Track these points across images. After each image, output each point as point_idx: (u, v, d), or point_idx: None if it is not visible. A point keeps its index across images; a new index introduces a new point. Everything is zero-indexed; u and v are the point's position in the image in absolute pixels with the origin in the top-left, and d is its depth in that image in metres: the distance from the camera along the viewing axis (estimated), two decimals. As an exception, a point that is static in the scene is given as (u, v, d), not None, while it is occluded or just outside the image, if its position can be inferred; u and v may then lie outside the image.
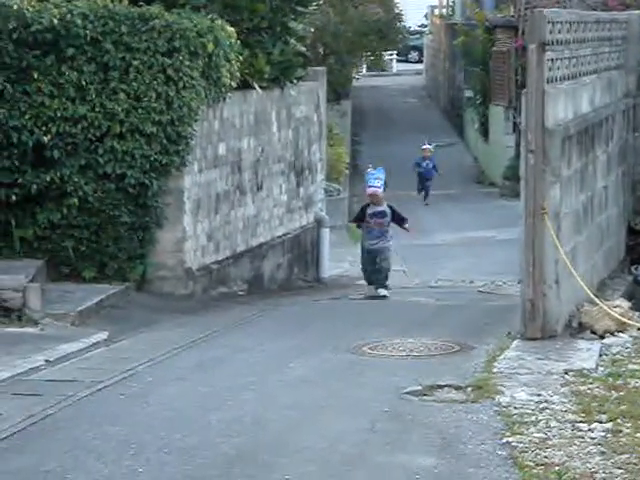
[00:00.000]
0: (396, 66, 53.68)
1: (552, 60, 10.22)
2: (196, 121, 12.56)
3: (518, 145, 24.62)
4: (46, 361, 9.30)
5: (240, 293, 14.00)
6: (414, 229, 15.54)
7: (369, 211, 14.51)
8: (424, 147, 27.16)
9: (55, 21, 11.95)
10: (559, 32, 10.48)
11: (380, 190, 14.53)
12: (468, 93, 33.01)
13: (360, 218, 14.71)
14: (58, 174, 12.15)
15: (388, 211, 14.59)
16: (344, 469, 6.45)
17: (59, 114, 12.09)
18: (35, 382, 8.56)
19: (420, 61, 54.70)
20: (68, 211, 12.22)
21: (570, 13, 11.89)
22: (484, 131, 31.05)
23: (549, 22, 10.09)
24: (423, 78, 51.00)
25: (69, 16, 12.03)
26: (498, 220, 21.89)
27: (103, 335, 10.46)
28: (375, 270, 14.28)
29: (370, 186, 14.58)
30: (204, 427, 7.28)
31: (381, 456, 6.64)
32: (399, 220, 14.77)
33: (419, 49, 55.43)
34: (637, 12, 15.04)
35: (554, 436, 6.99)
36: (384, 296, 14.04)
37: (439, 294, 14.67)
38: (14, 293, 10.67)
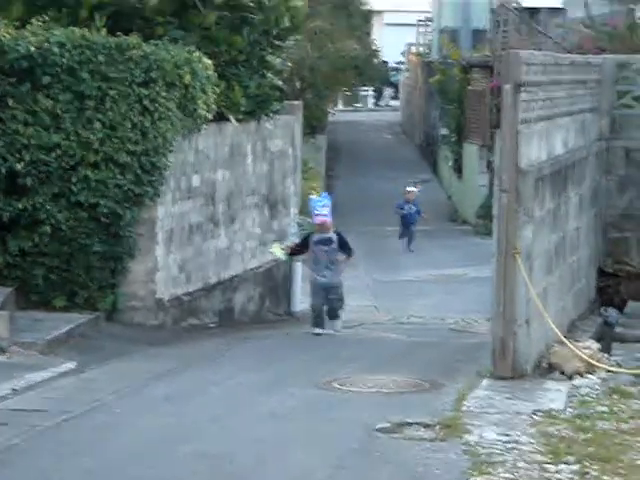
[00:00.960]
0: (372, 102, 53.96)
1: (527, 101, 10.29)
2: (171, 152, 12.56)
3: (492, 184, 24.75)
4: (13, 390, 9.22)
5: (211, 325, 13.95)
6: (347, 267, 14.03)
7: (314, 238, 13.33)
8: (408, 189, 25.54)
9: (32, 49, 11.94)
10: (534, 73, 10.56)
11: (329, 219, 13.37)
12: (443, 131, 33.20)
13: (303, 246, 13.71)
14: (31, 202, 12.11)
15: (335, 238, 13.34)
16: (311, 506, 6.41)
17: (33, 142, 12.07)
18: (1, 411, 8.48)
19: (396, 98, 55.00)
20: (40, 239, 12.17)
21: (545, 55, 12.00)
22: (458, 169, 31.20)
23: (524, 63, 10.17)
24: (399, 115, 51.26)
25: (46, 44, 12.03)
26: (471, 258, 21.95)
27: (72, 365, 10.39)
28: (327, 306, 13.32)
29: (317, 214, 13.40)
30: (172, 460, 7.22)
31: (348, 493, 6.61)
32: (345, 249, 13.43)
33: (395, 86, 55.76)
34: (611, 56, 15.21)
35: (521, 477, 6.98)
36: (336, 331, 13.29)
37: (410, 331, 14.66)
38: (-17, 320, 10.58)
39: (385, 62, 48.87)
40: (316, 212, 13.41)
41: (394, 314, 16.65)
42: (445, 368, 10.79)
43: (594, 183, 13.82)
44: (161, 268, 12.75)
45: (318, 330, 13.29)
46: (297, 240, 14.78)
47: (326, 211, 13.37)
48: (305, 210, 22.35)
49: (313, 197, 13.88)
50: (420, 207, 25.10)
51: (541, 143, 10.78)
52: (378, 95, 54.84)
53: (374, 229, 27.62)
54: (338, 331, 13.43)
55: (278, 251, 14.36)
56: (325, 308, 13.43)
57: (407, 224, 24.75)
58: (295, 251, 14.11)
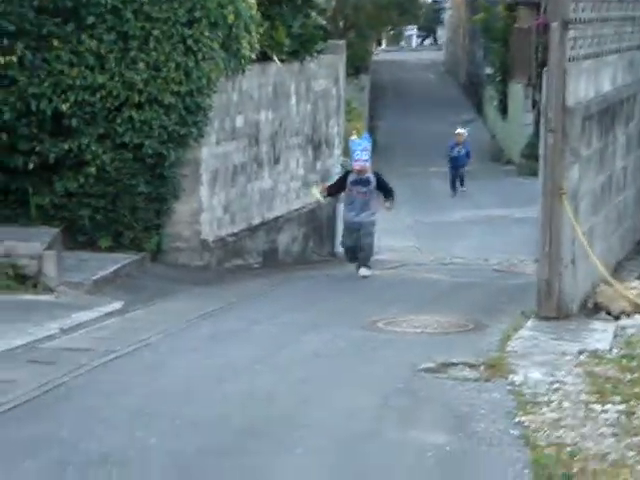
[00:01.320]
0: (416, 41, 53.49)
1: (574, 39, 10.14)
2: (215, 93, 12.53)
3: (537, 123, 24.49)
4: (60, 329, 9.32)
5: (255, 266, 14.00)
6: (393, 208, 13.68)
7: (351, 178, 13.08)
8: (457, 132, 25.15)
9: (76, -11, 11.91)
10: (582, 10, 10.40)
11: (368, 164, 13.10)
12: (488, 70, 32.85)
13: (340, 187, 13.33)
14: (76, 143, 12.15)
15: (373, 179, 13.11)
16: (356, 444, 6.45)
17: (78, 83, 12.08)
18: (49, 350, 8.58)
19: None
20: (85, 180, 12.22)
21: (593, -9, 11.79)
22: (503, 108, 30.91)
23: (572, 0, 10.01)
24: (443, 54, 50.80)
25: (90, -16, 11.99)
26: (515, 198, 21.81)
27: (118, 305, 10.48)
28: (357, 246, 12.95)
29: (357, 160, 13.01)
30: (217, 400, 7.29)
31: (394, 432, 6.64)
32: (385, 191, 13.23)
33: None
34: (661, -8, 14.90)
35: (567, 417, 6.97)
36: (365, 276, 12.94)
37: (454, 271, 14.64)
38: (30, 260, 10.70)
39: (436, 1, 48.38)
40: (356, 156, 13.08)
41: (437, 255, 16.62)
42: (489, 309, 10.78)
43: (642, 122, 13.63)
44: (205, 209, 12.78)
45: (363, 270, 13.07)
46: (334, 180, 14.46)
47: (366, 155, 13.05)
48: (348, 151, 22.33)
49: (354, 139, 13.48)
50: (470, 149, 24.87)
51: (589, 81, 10.63)
52: (426, 35, 54.33)
53: (417, 170, 27.53)
54: (366, 276, 13.05)
55: (316, 192, 14.14)
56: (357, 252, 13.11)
57: (456, 166, 24.51)
58: (332, 191, 13.79)
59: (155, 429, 6.62)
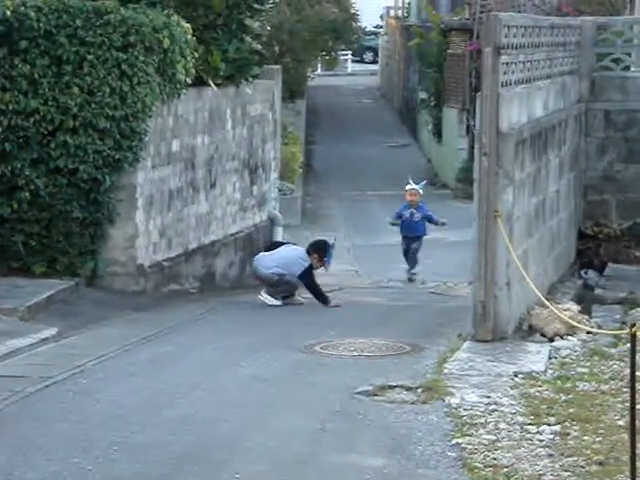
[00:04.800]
0: (351, 66, 53.82)
1: (507, 64, 10.29)
2: (150, 117, 12.49)
3: (471, 147, 24.75)
4: (-6, 356, 9.20)
5: (192, 291, 13.95)
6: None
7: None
8: (407, 188, 16.55)
9: (8, 13, 11.81)
10: (514, 36, 10.55)
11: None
12: (422, 95, 33.14)
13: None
14: (9, 167, 12.04)
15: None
16: (295, 468, 6.45)
17: (11, 107, 11.97)
18: (-17, 377, 8.46)
19: (375, 62, 54.88)
20: (19, 205, 12.10)
21: (525, 17, 11.99)
22: (437, 133, 31.18)
23: (504, 26, 10.16)
24: (378, 79, 51.15)
25: (22, 8, 11.91)
26: (450, 221, 21.96)
27: (53, 331, 10.37)
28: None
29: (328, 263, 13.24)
30: (154, 425, 7.24)
31: (332, 456, 6.65)
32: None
33: (374, 50, 55.62)
34: (590, 18, 15.20)
35: (503, 438, 7.03)
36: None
37: (391, 294, 14.70)
38: (-38, 287, 10.55)
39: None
40: (330, 261, 13.32)
41: (374, 278, 16.68)
42: (426, 331, 10.83)
43: (574, 146, 13.85)
44: (141, 234, 12.71)
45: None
46: None
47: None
48: (285, 175, 22.35)
49: (332, 241, 13.59)
50: (430, 213, 16.55)
51: (521, 106, 10.78)
52: (360, 57, 54.49)
53: (354, 193, 27.64)
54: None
55: None
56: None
57: (408, 237, 16.35)
58: None
59: (92, 456, 6.56)
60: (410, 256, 16.22)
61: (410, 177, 16.70)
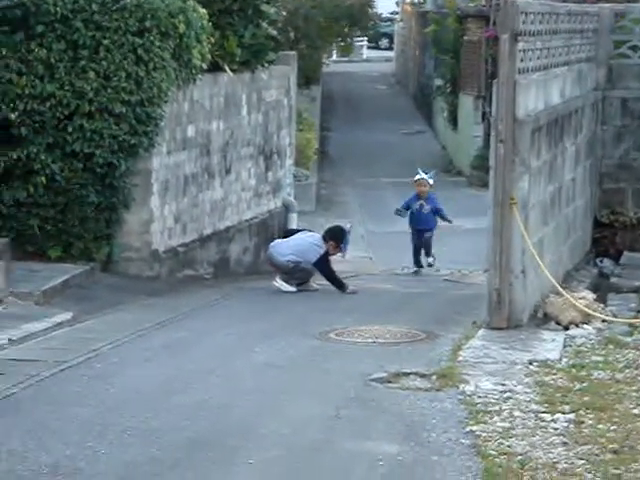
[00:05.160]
0: (366, 53, 53.70)
1: (524, 51, 10.24)
2: (166, 102, 12.49)
3: (486, 135, 24.67)
4: (9, 340, 9.23)
5: (206, 276, 13.96)
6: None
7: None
8: (417, 178, 15.78)
9: (25, -3, 11.83)
10: (531, 23, 10.50)
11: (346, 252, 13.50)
12: (438, 81, 33.03)
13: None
14: (25, 152, 12.06)
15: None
16: (309, 454, 6.45)
17: (27, 91, 11.99)
18: (-2, 361, 8.50)
19: (391, 48, 54.75)
20: (35, 189, 12.13)
21: (542, 4, 11.91)
22: (453, 120, 31.08)
23: (521, 12, 10.11)
24: (393, 65, 51.02)
25: (39, -7, 11.91)
26: (465, 209, 21.89)
27: (68, 315, 10.40)
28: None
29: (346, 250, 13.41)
30: (169, 410, 7.25)
31: (346, 442, 6.64)
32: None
33: (390, 36, 55.48)
34: (608, 5, 15.10)
35: (517, 426, 7.02)
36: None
37: (406, 282, 14.68)
38: (-22, 271, 10.58)
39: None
40: (347, 248, 13.45)
41: (389, 265, 16.66)
42: (441, 319, 10.82)
43: (590, 133, 13.79)
44: (156, 219, 12.72)
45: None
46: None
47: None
48: (300, 161, 22.32)
49: (349, 227, 13.78)
50: (440, 206, 15.85)
51: (538, 93, 10.73)
52: (375, 44, 54.37)
53: (369, 180, 27.59)
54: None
55: None
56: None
57: (418, 230, 15.70)
58: None
59: (106, 440, 6.58)
60: (425, 245, 15.67)
61: (419, 167, 16.01)
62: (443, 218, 15.73)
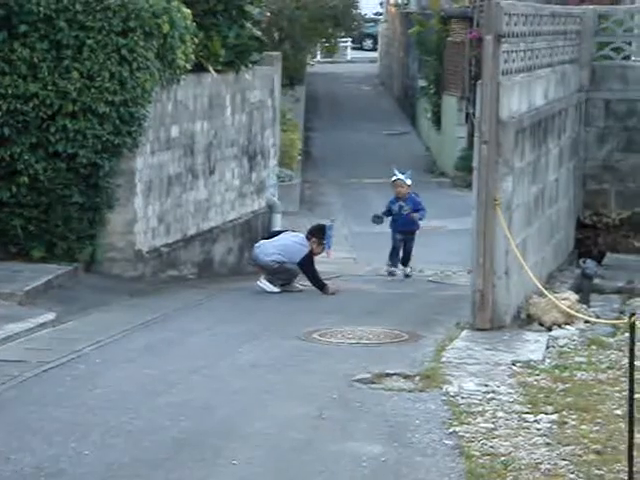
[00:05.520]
0: (350, 53, 53.72)
1: (507, 52, 10.27)
2: (149, 102, 12.46)
3: (470, 135, 24.74)
4: (-8, 341, 9.19)
5: (190, 277, 13.94)
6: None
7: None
8: (394, 179, 14.85)
9: (8, -3, 11.79)
10: (515, 24, 10.53)
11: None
12: (422, 82, 33.10)
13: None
14: (8, 152, 12.01)
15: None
16: (292, 455, 6.45)
17: (10, 91, 11.94)
18: (-20, 362, 8.46)
19: (375, 49, 54.79)
20: (18, 189, 12.08)
21: (526, 6, 11.94)
22: (437, 121, 31.15)
23: (505, 14, 10.14)
24: (377, 66, 51.07)
25: (23, -8, 11.87)
26: (449, 210, 21.98)
27: (51, 315, 10.37)
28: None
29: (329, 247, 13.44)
30: (152, 410, 7.24)
31: (329, 443, 6.65)
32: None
33: (374, 37, 55.53)
34: (592, 7, 15.15)
35: (500, 427, 7.04)
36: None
37: (389, 282, 14.68)
38: (-39, 271, 10.54)
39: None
40: (329, 244, 13.47)
41: (373, 266, 16.67)
42: (424, 319, 10.83)
43: (573, 135, 13.83)
44: (140, 219, 12.70)
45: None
46: None
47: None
48: (284, 162, 22.32)
49: (330, 223, 13.92)
50: (420, 206, 14.88)
51: (522, 94, 10.76)
52: (359, 45, 54.39)
53: (352, 181, 27.63)
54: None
55: None
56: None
57: (398, 231, 14.81)
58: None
59: (89, 440, 6.56)
60: (404, 251, 14.77)
61: (396, 167, 15.06)
62: (420, 218, 14.79)
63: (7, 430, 6.73)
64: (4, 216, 12.13)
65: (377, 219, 14.80)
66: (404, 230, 14.73)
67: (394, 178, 14.74)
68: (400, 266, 14.80)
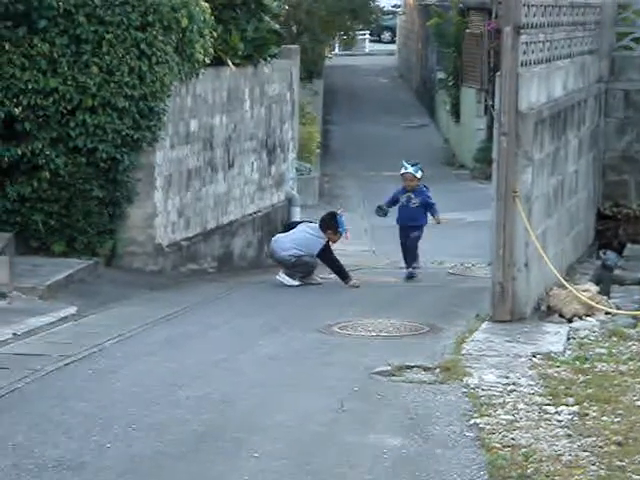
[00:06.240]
0: (369, 46, 53.63)
1: (526, 43, 10.24)
2: (169, 96, 12.50)
3: (489, 127, 24.68)
4: (14, 334, 9.25)
5: (210, 270, 13.98)
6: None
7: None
8: (403, 172, 14.04)
9: (28, -8, 11.83)
10: (534, 15, 10.50)
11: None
12: (440, 75, 33.02)
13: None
14: (29, 147, 12.07)
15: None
16: (313, 447, 6.46)
17: (30, 86, 12.00)
18: (2, 356, 8.51)
19: (393, 41, 54.67)
20: (39, 184, 12.14)
21: (545, -3, 11.91)
22: (455, 113, 31.08)
23: (524, 5, 10.11)
24: (395, 59, 50.97)
25: (42, -13, 11.91)
26: (468, 202, 21.96)
27: (72, 309, 10.42)
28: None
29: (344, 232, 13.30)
30: (173, 403, 7.27)
31: (350, 435, 6.66)
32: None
33: (392, 29, 55.40)
34: (611, -3, 15.09)
35: (521, 418, 7.03)
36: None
37: (408, 275, 14.66)
38: (-18, 266, 10.60)
39: None
40: (344, 230, 13.37)
41: (392, 258, 16.67)
42: (444, 312, 10.83)
43: (593, 126, 13.79)
44: (160, 213, 12.74)
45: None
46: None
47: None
48: (303, 155, 22.32)
49: (341, 211, 13.85)
50: (432, 201, 14.10)
51: (541, 86, 10.73)
52: (378, 37, 54.27)
53: (371, 174, 27.61)
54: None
55: None
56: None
57: (404, 227, 14.00)
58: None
59: (110, 433, 6.60)
60: (408, 248, 13.83)
61: (404, 159, 14.33)
62: (432, 214, 13.91)
63: (29, 424, 6.77)
64: (25, 211, 12.19)
65: (380, 211, 14.02)
66: (408, 225, 13.85)
67: (403, 171, 13.98)
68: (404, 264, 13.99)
